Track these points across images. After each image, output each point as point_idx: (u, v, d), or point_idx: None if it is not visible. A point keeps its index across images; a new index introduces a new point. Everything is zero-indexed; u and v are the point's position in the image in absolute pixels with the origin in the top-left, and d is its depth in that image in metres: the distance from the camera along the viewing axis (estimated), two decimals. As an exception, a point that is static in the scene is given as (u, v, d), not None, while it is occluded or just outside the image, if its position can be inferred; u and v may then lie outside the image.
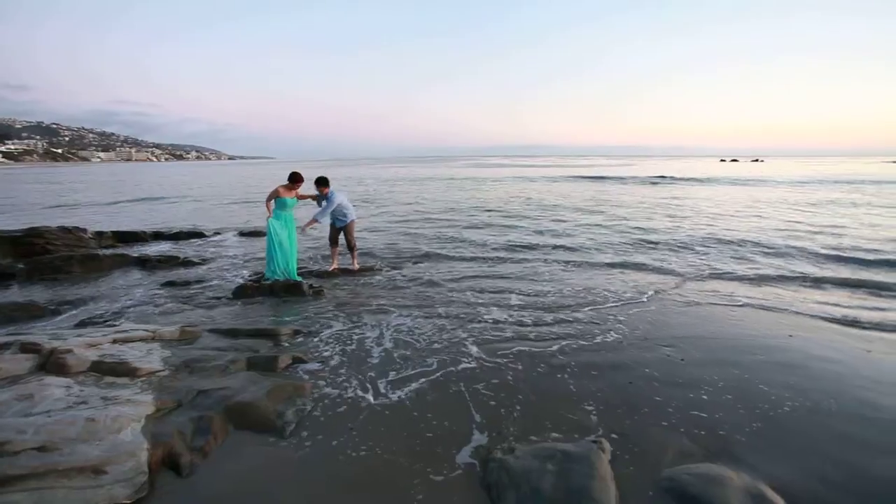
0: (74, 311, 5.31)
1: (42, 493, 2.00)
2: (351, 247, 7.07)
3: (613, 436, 2.75)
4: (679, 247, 8.80)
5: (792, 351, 3.96)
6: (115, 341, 3.78)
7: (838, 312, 5.08)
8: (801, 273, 6.83)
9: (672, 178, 31.87)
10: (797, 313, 5.04)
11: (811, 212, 14.33)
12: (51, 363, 3.27)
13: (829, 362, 3.73)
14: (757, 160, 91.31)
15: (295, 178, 6.23)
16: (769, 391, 3.27)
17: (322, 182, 6.68)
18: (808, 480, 2.36)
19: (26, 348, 3.39)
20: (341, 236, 7.01)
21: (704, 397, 3.20)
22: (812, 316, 4.97)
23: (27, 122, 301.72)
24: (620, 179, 30.82)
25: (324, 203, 6.69)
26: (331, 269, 6.91)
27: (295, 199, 6.35)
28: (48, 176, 49.86)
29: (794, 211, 14.65)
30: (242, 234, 10.88)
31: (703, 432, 2.79)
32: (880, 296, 5.77)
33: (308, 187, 6.72)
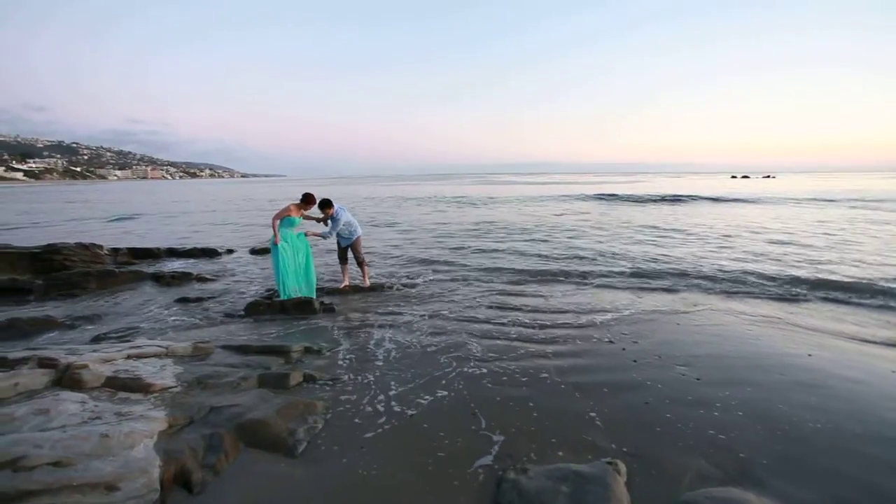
0: (90, 327, 5.39)
1: (56, 509, 2.01)
2: (360, 262, 7.08)
3: (629, 457, 2.69)
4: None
5: (813, 370, 3.86)
6: (129, 357, 3.82)
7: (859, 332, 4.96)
8: None
9: (720, 198, 27.49)
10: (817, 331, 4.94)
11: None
12: (66, 378, 3.31)
13: (852, 382, 3.63)
14: (769, 176, 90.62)
15: (308, 200, 6.28)
16: (790, 412, 3.18)
17: (326, 204, 6.73)
18: (834, 506, 2.28)
19: (43, 363, 3.44)
20: (349, 254, 7.07)
21: (722, 418, 3.12)
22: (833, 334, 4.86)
23: (48, 141, 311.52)
24: (678, 199, 27.18)
25: (329, 223, 6.77)
26: (342, 287, 6.94)
27: (300, 218, 6.40)
28: (74, 193, 51.03)
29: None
30: (255, 251, 11.01)
31: (722, 454, 2.72)
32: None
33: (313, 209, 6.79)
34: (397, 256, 10.14)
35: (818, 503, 2.30)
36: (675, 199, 26.96)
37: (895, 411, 3.16)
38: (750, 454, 2.71)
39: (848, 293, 6.54)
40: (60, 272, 7.83)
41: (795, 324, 5.21)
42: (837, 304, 6.12)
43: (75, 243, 9.11)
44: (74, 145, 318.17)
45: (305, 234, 6.51)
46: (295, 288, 6.24)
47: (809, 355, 4.20)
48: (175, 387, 3.46)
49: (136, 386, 3.34)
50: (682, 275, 7.90)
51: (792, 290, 6.76)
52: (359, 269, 7.17)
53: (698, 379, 3.72)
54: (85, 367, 3.40)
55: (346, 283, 7.03)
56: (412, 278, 7.84)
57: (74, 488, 2.11)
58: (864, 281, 7.22)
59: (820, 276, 7.59)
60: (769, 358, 4.15)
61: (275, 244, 6.10)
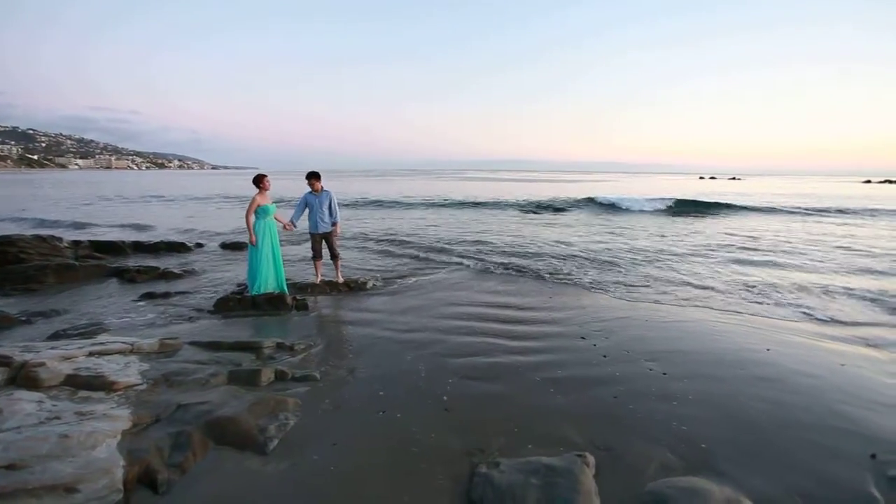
0: (48, 323, 5.14)
1: (10, 513, 1.93)
2: (334, 255, 6.94)
3: (597, 450, 2.77)
4: None
5: (770, 365, 4.05)
6: (90, 354, 3.68)
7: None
8: None
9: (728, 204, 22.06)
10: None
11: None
12: (22, 377, 3.16)
13: (805, 376, 3.83)
14: (734, 178, 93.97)
15: (260, 179, 6.05)
16: (748, 404, 3.34)
17: (315, 176, 6.55)
18: (788, 493, 2.41)
19: (-4, 361, 3.27)
20: (323, 246, 6.89)
21: (686, 411, 3.25)
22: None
23: (2, 126, 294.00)
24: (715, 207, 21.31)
25: (318, 199, 6.60)
26: (316, 282, 6.82)
27: (274, 205, 6.22)
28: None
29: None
30: (225, 245, 10.71)
31: (685, 445, 2.83)
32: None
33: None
34: (376, 254, 10.07)
35: (773, 489, 2.43)
36: (711, 208, 21.21)
37: (843, 403, 3.36)
38: (711, 445, 2.83)
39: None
40: (15, 265, 7.43)
41: (756, 322, 5.45)
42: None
43: (32, 235, 8.67)
44: (31, 132, 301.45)
45: (286, 225, 6.39)
46: (269, 283, 6.07)
47: (768, 350, 4.41)
48: (140, 384, 3.35)
49: (98, 384, 3.22)
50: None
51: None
52: (332, 263, 7.02)
53: (664, 374, 3.86)
54: (42, 364, 3.25)
55: (320, 277, 6.90)
56: (391, 274, 7.80)
57: (29, 492, 2.03)
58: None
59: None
60: (731, 353, 4.33)
61: (251, 244, 5.95)
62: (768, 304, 6.27)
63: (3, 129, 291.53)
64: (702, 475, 2.53)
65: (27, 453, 2.23)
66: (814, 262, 9.16)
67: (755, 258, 9.58)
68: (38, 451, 2.26)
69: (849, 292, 6.80)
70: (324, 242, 6.86)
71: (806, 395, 3.49)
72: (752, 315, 5.69)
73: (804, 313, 5.82)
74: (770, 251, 10.50)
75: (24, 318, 5.17)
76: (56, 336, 4.60)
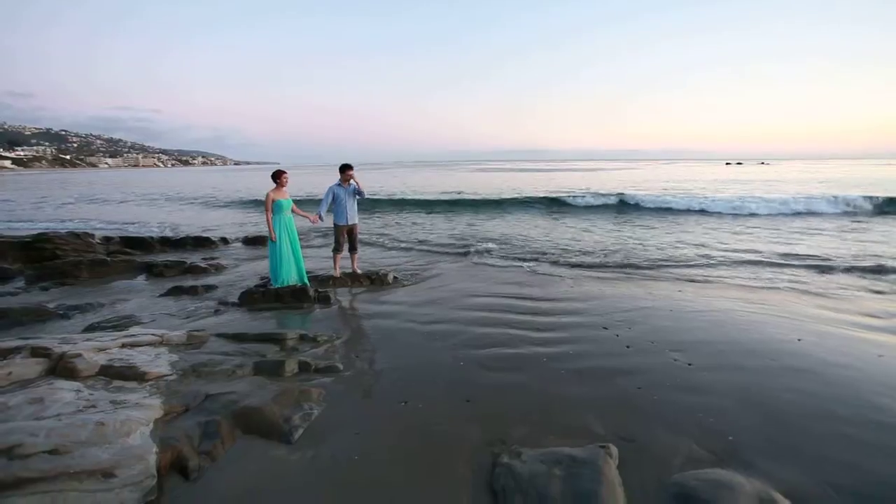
0: (83, 316, 5.35)
1: (54, 495, 2.02)
2: (353, 248, 6.98)
3: (621, 441, 2.73)
4: None
5: (803, 356, 3.92)
6: (123, 345, 3.81)
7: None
8: None
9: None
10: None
11: None
12: (60, 367, 3.30)
13: (840, 367, 3.69)
14: (763, 163, 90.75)
15: (278, 174, 6.16)
16: (779, 396, 3.24)
17: (349, 168, 6.63)
18: (820, 486, 2.33)
19: (36, 352, 3.42)
20: (344, 239, 6.92)
21: (713, 402, 3.17)
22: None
23: (36, 128, 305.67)
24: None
25: (325, 201, 6.67)
26: (336, 275, 6.89)
27: (290, 199, 6.29)
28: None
29: None
30: (248, 240, 10.94)
31: (711, 437, 2.77)
32: None
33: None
34: (399, 250, 10.12)
35: (805, 483, 2.36)
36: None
37: (881, 395, 3.22)
38: (739, 437, 2.76)
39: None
40: (52, 261, 7.75)
41: (787, 310, 5.27)
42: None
43: (67, 232, 9.03)
44: (63, 133, 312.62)
45: (313, 218, 6.50)
46: (291, 277, 6.19)
47: (799, 340, 4.26)
48: (170, 375, 3.46)
49: (131, 374, 3.34)
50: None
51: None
52: (350, 256, 7.03)
53: (690, 364, 3.77)
54: (79, 355, 3.39)
55: (339, 271, 6.96)
56: (412, 268, 7.84)
57: (71, 475, 2.12)
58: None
59: None
60: (759, 344, 4.21)
61: (272, 240, 6.05)
62: (795, 291, 6.06)
63: (38, 130, 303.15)
64: (729, 468, 2.47)
65: (68, 439, 2.33)
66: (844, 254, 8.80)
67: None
68: (77, 437, 2.36)
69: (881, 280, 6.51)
70: (347, 235, 6.89)
71: (841, 386, 3.37)
72: (780, 305, 5.51)
73: (835, 303, 5.60)
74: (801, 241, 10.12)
75: (61, 312, 5.39)
76: (91, 328, 4.80)
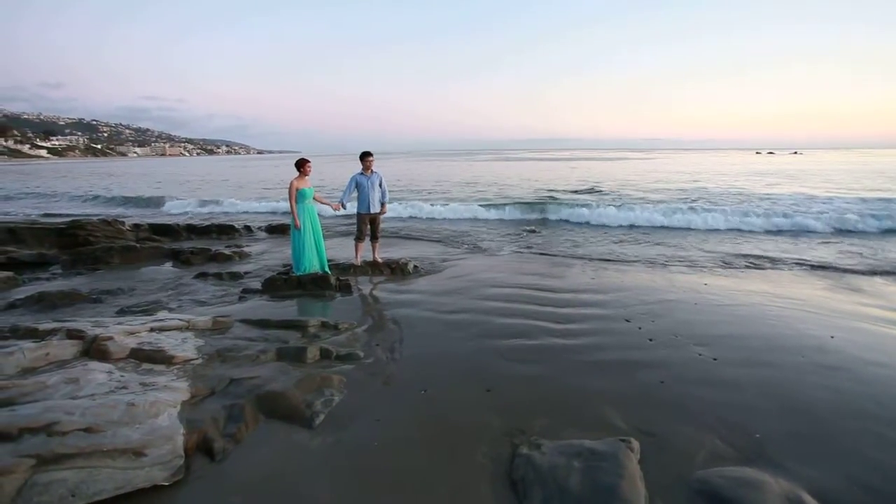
0: (114, 300, 5.55)
1: (89, 471, 2.11)
2: (375, 237, 7.01)
3: (642, 435, 2.69)
4: None
5: (834, 353, 3.78)
6: (151, 330, 3.94)
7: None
8: None
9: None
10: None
11: None
12: (94, 349, 3.43)
13: (874, 365, 3.55)
14: (795, 153, 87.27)
15: (302, 163, 6.22)
16: (809, 393, 3.13)
17: (370, 155, 6.66)
18: (850, 487, 2.26)
19: (72, 335, 3.57)
20: (367, 227, 6.93)
21: (738, 398, 3.09)
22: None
23: (69, 118, 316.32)
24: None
25: (350, 189, 6.72)
26: (357, 263, 6.94)
27: (312, 189, 6.31)
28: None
29: None
30: (272, 228, 11.13)
31: (737, 434, 2.70)
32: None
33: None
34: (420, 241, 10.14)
35: (835, 484, 2.28)
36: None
37: (919, 395, 3.08)
38: (766, 434, 2.69)
39: None
40: (85, 247, 8.05)
41: (819, 305, 5.09)
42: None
43: (98, 219, 9.34)
44: (94, 122, 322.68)
45: (335, 206, 6.60)
46: (314, 265, 6.26)
47: (832, 337, 4.11)
48: (196, 359, 3.56)
49: (159, 358, 3.45)
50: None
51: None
52: (371, 245, 7.06)
53: (715, 359, 3.68)
54: (111, 338, 3.52)
55: (359, 260, 7.01)
56: (433, 256, 7.85)
57: (105, 453, 2.21)
58: None
59: None
60: (788, 339, 4.07)
61: (296, 228, 6.13)
62: (826, 287, 5.83)
63: (70, 120, 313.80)
64: (755, 466, 2.41)
65: (101, 418, 2.42)
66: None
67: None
68: (109, 416, 2.46)
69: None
70: (370, 225, 6.92)
71: (876, 385, 3.24)
72: (810, 300, 5.31)
73: (871, 299, 5.37)
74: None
75: (93, 296, 5.60)
76: (122, 312, 4.96)
